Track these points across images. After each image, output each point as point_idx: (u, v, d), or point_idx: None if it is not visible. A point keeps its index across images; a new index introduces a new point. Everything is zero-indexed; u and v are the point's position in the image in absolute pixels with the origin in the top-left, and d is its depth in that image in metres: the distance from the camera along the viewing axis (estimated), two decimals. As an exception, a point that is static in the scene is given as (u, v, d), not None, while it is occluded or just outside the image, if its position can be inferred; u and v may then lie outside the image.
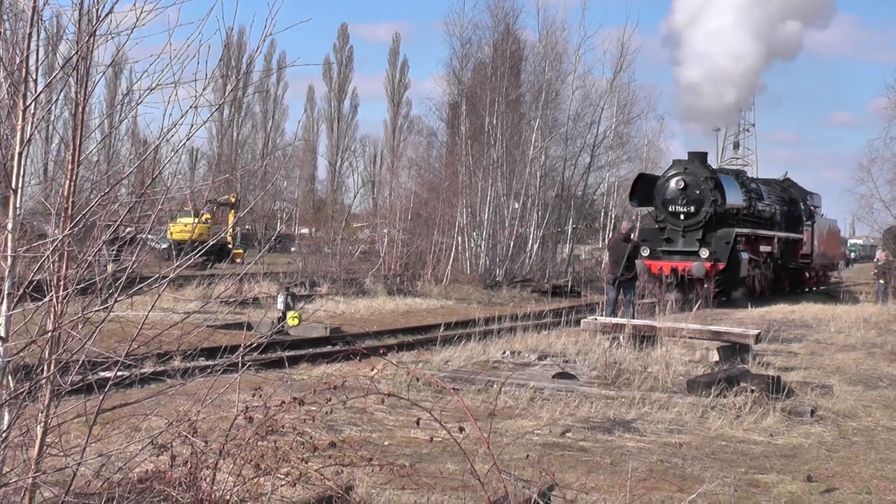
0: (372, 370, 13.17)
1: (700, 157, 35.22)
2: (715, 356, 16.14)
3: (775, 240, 38.93)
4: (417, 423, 7.04)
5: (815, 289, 45.55)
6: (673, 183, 34.22)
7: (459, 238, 41.60)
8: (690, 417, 12.13)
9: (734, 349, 16.36)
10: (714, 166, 40.46)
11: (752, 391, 12.72)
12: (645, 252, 32.53)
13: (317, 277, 34.26)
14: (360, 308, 28.18)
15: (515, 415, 12.04)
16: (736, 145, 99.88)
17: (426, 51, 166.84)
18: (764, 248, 37.35)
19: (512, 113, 45.02)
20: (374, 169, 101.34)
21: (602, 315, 20.26)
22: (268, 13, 5.44)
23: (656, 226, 34.96)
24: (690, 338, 16.83)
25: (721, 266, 32.62)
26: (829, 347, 20.35)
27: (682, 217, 33.93)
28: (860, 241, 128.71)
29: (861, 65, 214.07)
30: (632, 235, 23.21)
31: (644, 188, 35.63)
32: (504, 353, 16.66)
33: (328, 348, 17.92)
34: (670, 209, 34.11)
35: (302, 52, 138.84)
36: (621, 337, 16.73)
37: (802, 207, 43.17)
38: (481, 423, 7.10)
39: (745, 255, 34.23)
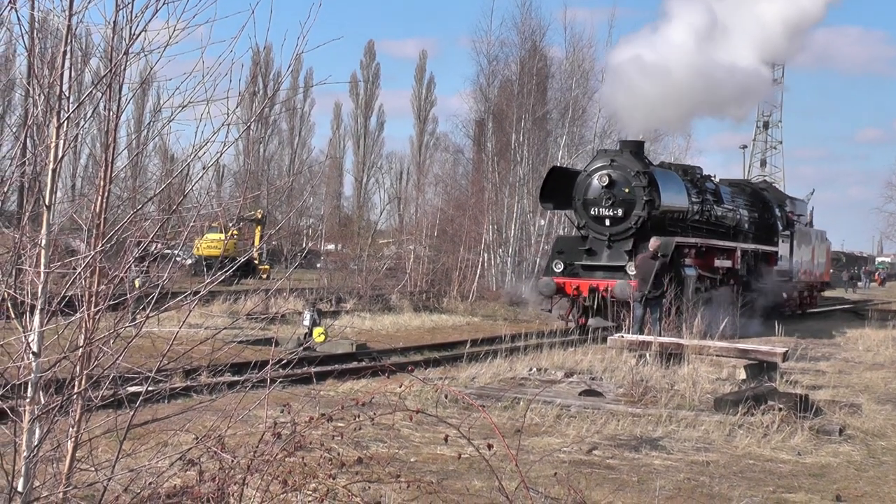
0: (399, 387, 13.18)
1: (632, 147, 27.94)
2: (742, 374, 16.10)
3: (737, 252, 31.52)
4: (445, 439, 7.06)
5: (797, 312, 38.82)
6: (596, 179, 27.06)
7: (485, 255, 41.57)
8: (718, 436, 12.07)
9: (761, 367, 16.29)
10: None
11: (780, 409, 12.67)
12: (558, 267, 27.29)
13: (343, 293, 34.27)
14: (386, 324, 28.17)
15: (542, 432, 12.02)
16: (763, 163, 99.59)
17: (452, 67, 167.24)
18: (721, 263, 30.07)
19: (538, 130, 45.01)
20: (400, 185, 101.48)
21: (629, 332, 20.20)
22: (299, 31, 5.48)
23: (577, 234, 28.49)
24: (717, 356, 16.78)
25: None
26: (857, 366, 20.25)
27: (607, 223, 26.99)
28: (888, 259, 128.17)
29: (891, 81, 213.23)
30: (659, 253, 22.74)
31: (560, 186, 28.48)
32: (530, 370, 16.66)
33: (354, 364, 17.90)
34: (592, 212, 27.17)
35: (329, 68, 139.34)
36: (648, 354, 16.69)
37: (779, 214, 36.21)
38: (508, 440, 7.10)
39: (691, 272, 27.02)
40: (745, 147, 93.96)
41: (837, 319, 36.98)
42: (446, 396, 12.86)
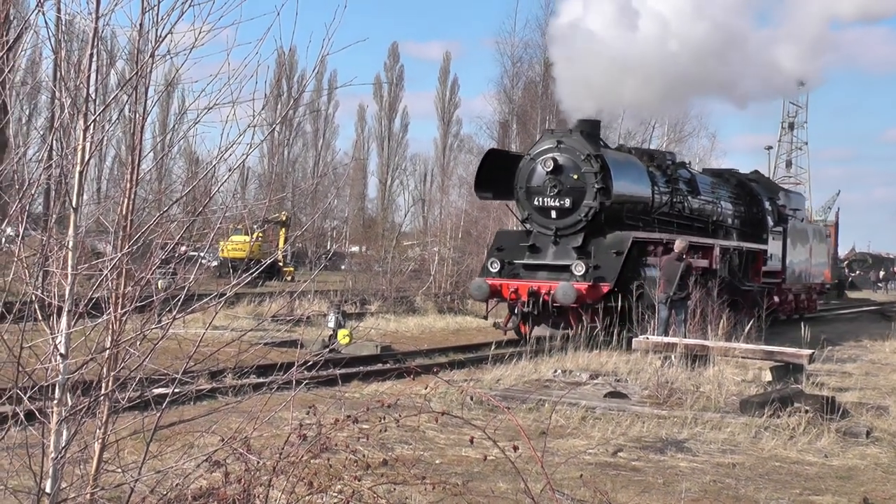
0: (424, 388, 13.19)
1: (586, 127, 23.62)
2: (768, 376, 16.02)
3: (716, 251, 26.97)
4: (471, 441, 7.03)
5: (793, 317, 33.35)
6: (540, 164, 23.24)
7: (510, 256, 41.45)
8: (743, 438, 12.02)
9: (787, 369, 16.21)
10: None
11: (806, 411, 12.60)
12: (494, 267, 23.52)
13: (367, 295, 34.29)
14: (410, 326, 28.14)
15: (567, 434, 11.99)
16: (788, 164, 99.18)
17: (476, 69, 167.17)
18: (696, 263, 24.79)
19: (562, 131, 44.92)
20: (424, 187, 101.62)
21: (654, 334, 20.08)
22: (324, 33, 5.49)
23: (522, 228, 25.03)
24: (743, 357, 16.71)
25: (605, 288, 22.05)
26: (884, 368, 20.13)
27: (553, 214, 23.29)
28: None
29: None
30: (684, 255, 22.18)
31: (502, 173, 24.49)
32: (555, 371, 16.65)
33: (379, 366, 17.92)
34: (536, 203, 23.44)
35: (353, 70, 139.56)
36: (673, 356, 16.63)
37: (769, 208, 31.90)
38: (533, 441, 7.09)
39: (653, 273, 22.60)
40: (770, 148, 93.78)
41: (864, 321, 36.73)
42: (471, 398, 12.85)
